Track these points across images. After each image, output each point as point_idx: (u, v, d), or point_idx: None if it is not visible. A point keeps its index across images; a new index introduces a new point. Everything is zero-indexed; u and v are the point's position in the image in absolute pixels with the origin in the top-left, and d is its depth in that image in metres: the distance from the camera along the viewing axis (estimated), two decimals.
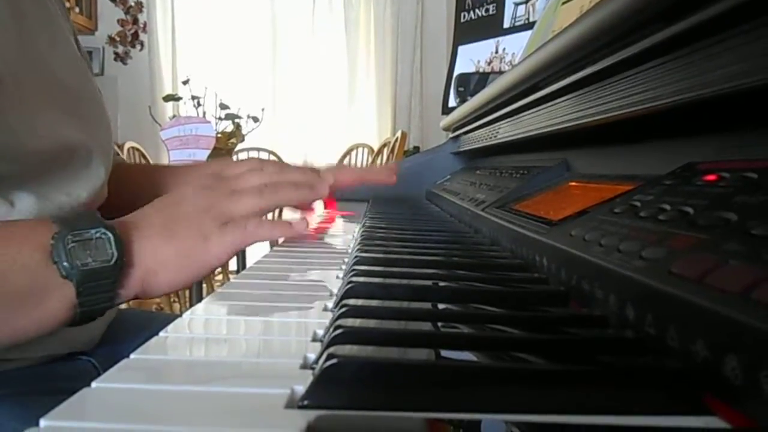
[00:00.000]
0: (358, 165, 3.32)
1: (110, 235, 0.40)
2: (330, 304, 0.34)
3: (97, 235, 0.40)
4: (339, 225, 0.79)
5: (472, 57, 2.37)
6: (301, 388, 0.20)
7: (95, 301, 0.40)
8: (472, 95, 1.01)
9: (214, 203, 0.48)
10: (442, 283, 0.37)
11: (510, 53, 2.19)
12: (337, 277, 0.42)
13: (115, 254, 0.40)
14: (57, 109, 0.53)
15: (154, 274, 0.43)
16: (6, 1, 0.49)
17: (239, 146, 2.82)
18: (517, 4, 2.21)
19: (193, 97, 2.59)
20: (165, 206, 0.48)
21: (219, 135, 2.48)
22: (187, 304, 2.22)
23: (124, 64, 3.69)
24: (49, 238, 0.39)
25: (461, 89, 1.51)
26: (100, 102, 0.63)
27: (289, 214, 0.65)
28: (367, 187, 0.84)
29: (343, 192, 1.23)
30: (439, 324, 0.29)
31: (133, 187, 0.70)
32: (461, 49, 2.44)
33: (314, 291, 0.39)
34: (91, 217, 0.41)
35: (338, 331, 0.25)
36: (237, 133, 2.65)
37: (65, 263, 0.38)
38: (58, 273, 0.38)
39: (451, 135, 1.28)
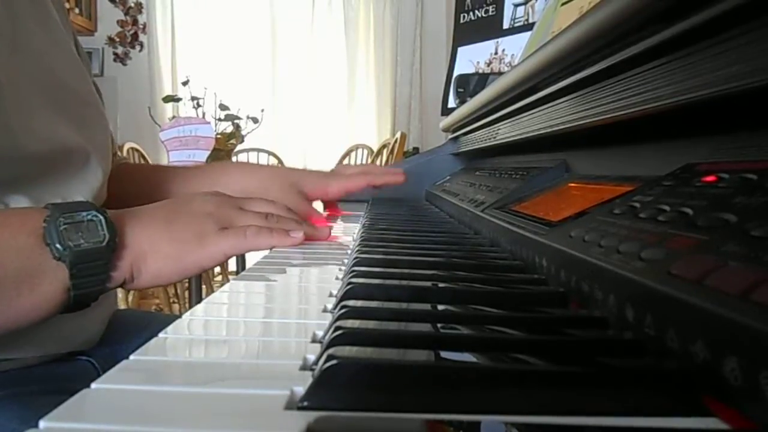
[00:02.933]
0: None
1: (101, 217, 0.41)
2: (329, 305, 0.34)
3: (89, 217, 0.41)
4: (339, 226, 0.79)
5: (472, 58, 2.37)
6: (300, 390, 0.20)
7: (88, 283, 0.41)
8: (471, 96, 1.01)
9: (219, 210, 0.50)
10: (441, 284, 0.37)
11: (509, 54, 2.20)
12: (337, 278, 0.42)
13: (107, 235, 0.41)
14: (55, 110, 0.53)
15: (143, 258, 0.44)
16: (2, 5, 0.49)
17: (239, 147, 2.82)
18: (516, 5, 2.21)
19: (193, 98, 2.59)
20: (170, 203, 0.50)
21: (218, 136, 2.48)
22: (187, 305, 2.22)
23: (124, 65, 3.69)
24: (41, 222, 0.39)
25: (461, 90, 1.51)
26: (99, 104, 0.63)
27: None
28: (368, 188, 0.84)
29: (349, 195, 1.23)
30: (439, 325, 0.29)
31: (134, 188, 0.70)
32: (461, 50, 2.44)
33: (314, 292, 0.39)
34: (82, 203, 0.42)
35: (338, 333, 0.25)
36: (236, 134, 2.65)
37: (58, 245, 0.39)
38: (51, 255, 0.39)
39: (450, 136, 1.28)
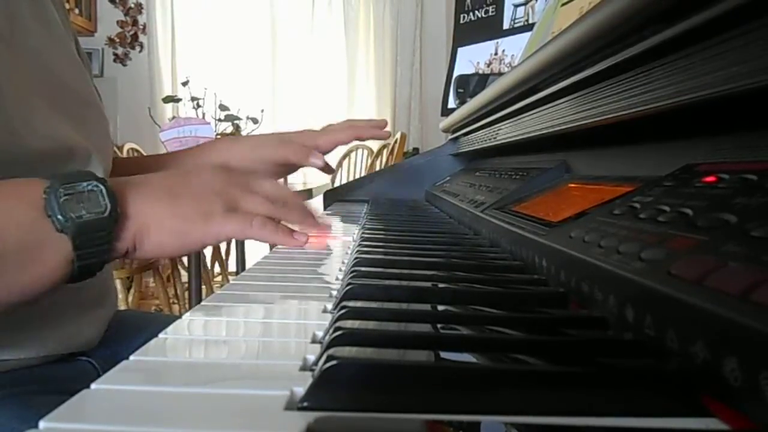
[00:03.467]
0: (358, 165, 3.32)
1: (102, 187, 0.40)
2: (329, 306, 0.34)
3: (89, 187, 0.40)
4: (338, 226, 0.80)
5: (472, 58, 2.37)
6: (300, 390, 0.20)
7: (92, 254, 0.40)
8: (471, 97, 1.01)
9: (227, 189, 0.49)
10: (441, 285, 0.37)
11: (509, 55, 2.20)
12: (337, 279, 0.42)
13: (109, 205, 0.40)
14: (56, 109, 0.53)
15: (146, 229, 0.44)
16: (2, 5, 0.49)
17: None
18: (516, 6, 2.21)
19: (193, 99, 2.59)
20: (176, 175, 0.49)
21: (218, 136, 2.48)
22: (187, 305, 2.22)
23: (124, 65, 3.69)
24: (42, 193, 0.39)
25: (461, 91, 1.51)
26: (99, 104, 0.63)
27: None
28: (367, 186, 0.83)
29: (344, 194, 1.23)
30: (439, 325, 0.29)
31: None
32: (461, 50, 2.44)
33: (313, 292, 0.39)
34: (82, 172, 0.42)
35: (338, 333, 0.25)
36: (236, 135, 2.65)
37: (59, 216, 0.38)
38: (53, 227, 0.38)
39: (450, 136, 1.28)
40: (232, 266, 2.80)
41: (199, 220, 0.45)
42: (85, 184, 0.40)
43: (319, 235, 0.59)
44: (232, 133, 2.62)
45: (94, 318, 0.59)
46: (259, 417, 0.19)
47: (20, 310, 0.41)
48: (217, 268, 2.90)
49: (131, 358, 0.24)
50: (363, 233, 0.62)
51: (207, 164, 0.52)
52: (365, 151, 3.36)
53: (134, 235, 0.43)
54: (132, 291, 2.24)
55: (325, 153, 0.77)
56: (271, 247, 0.59)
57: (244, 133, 2.67)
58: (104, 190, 0.40)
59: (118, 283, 1.85)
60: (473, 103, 0.94)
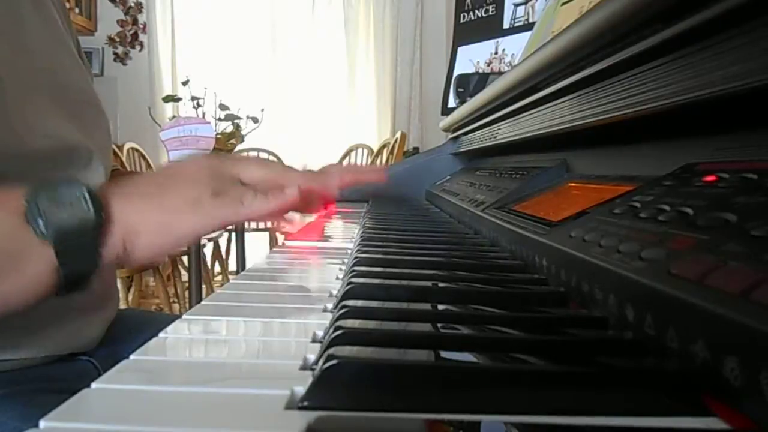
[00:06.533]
0: (358, 165, 3.32)
1: (86, 192, 0.39)
2: (330, 305, 0.34)
3: (72, 192, 0.39)
4: (339, 226, 0.79)
5: (472, 58, 2.37)
6: (301, 389, 0.20)
7: (77, 261, 0.39)
8: (471, 96, 1.01)
9: (214, 182, 0.46)
10: (441, 284, 0.37)
11: (509, 54, 2.20)
12: (337, 278, 0.42)
13: (92, 210, 0.39)
14: (58, 110, 0.53)
15: (136, 234, 0.42)
16: (5, 5, 0.49)
17: (239, 147, 2.82)
18: (516, 5, 2.21)
19: (193, 98, 2.59)
20: (161, 174, 0.47)
21: (218, 136, 2.48)
22: (187, 305, 2.22)
23: (124, 64, 3.69)
24: (23, 200, 0.38)
25: (461, 90, 1.51)
26: (99, 104, 0.63)
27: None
28: (367, 187, 0.82)
29: (343, 193, 1.23)
30: (439, 325, 0.29)
31: None
32: (461, 49, 2.44)
33: (314, 292, 0.39)
34: (65, 178, 0.40)
35: (338, 332, 0.25)
36: (236, 134, 2.65)
37: (40, 223, 0.37)
38: (34, 234, 0.37)
39: (450, 136, 1.28)
40: (232, 266, 2.80)
41: (187, 209, 0.43)
42: (67, 188, 0.39)
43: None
44: (232, 133, 2.62)
45: (97, 320, 0.59)
46: (260, 416, 0.19)
47: (21, 311, 0.40)
48: (217, 268, 2.90)
49: (131, 357, 0.24)
50: (363, 233, 0.62)
51: (192, 158, 0.49)
52: (365, 151, 3.36)
53: (123, 240, 0.41)
54: (132, 290, 2.24)
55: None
56: (272, 246, 0.59)
57: (243, 132, 2.67)
58: (87, 195, 0.39)
59: (118, 283, 1.85)
60: (473, 103, 0.94)
